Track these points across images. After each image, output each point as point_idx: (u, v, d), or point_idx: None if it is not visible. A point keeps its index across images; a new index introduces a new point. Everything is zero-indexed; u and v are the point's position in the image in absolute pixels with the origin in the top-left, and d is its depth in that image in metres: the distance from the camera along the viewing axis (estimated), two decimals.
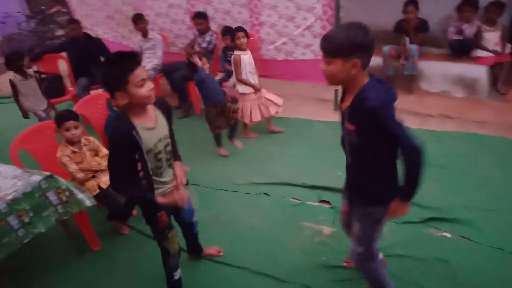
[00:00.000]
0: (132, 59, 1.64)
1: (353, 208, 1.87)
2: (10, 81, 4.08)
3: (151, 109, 1.80)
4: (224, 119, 3.63)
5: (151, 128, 1.76)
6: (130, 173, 1.80)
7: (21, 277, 2.60)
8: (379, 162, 1.64)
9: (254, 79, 3.86)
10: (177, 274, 2.17)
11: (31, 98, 4.15)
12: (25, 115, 4.18)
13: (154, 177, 1.86)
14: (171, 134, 1.95)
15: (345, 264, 2.39)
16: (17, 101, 4.15)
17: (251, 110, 3.89)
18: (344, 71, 1.50)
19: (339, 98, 1.74)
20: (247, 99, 3.87)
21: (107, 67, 1.66)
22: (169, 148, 1.91)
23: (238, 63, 3.75)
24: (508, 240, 2.45)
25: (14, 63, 4.06)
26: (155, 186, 1.89)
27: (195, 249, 2.53)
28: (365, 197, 1.75)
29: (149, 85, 1.67)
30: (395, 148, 1.58)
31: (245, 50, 3.79)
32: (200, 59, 3.45)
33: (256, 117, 3.90)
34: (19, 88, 4.09)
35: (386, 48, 4.62)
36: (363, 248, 1.85)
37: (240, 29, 3.78)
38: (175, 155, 2.02)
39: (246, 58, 3.77)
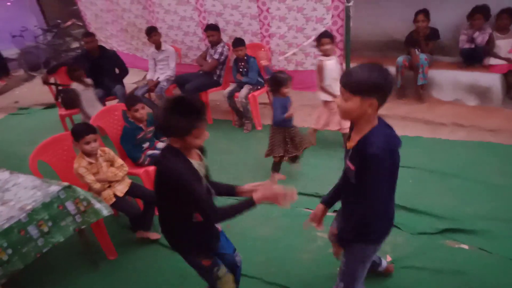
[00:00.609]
0: (201, 111, 1.58)
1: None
2: (74, 90, 4.32)
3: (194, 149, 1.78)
4: (292, 145, 3.40)
5: (200, 163, 1.76)
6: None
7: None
8: (370, 204, 1.64)
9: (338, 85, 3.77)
10: None
11: (90, 107, 4.35)
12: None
13: None
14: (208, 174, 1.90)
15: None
16: (81, 110, 4.41)
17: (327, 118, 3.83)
18: (361, 109, 1.53)
19: (346, 136, 1.80)
20: (329, 107, 3.78)
21: (172, 111, 1.55)
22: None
23: (320, 70, 3.66)
24: None
25: (76, 72, 4.32)
26: None
27: None
28: (353, 233, 1.73)
29: (206, 135, 1.64)
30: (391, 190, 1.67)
31: (329, 55, 3.67)
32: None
33: (333, 127, 3.80)
34: (82, 97, 4.33)
35: (400, 59, 4.61)
36: (343, 284, 1.87)
37: (325, 35, 3.71)
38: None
39: (330, 64, 3.66)
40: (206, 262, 1.88)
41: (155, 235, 2.90)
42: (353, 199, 1.73)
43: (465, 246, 2.53)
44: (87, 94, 4.40)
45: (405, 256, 2.50)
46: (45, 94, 5.81)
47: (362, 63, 1.56)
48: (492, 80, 4.32)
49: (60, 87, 4.84)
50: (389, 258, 2.50)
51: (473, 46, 4.43)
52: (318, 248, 2.66)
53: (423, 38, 4.53)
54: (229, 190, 1.98)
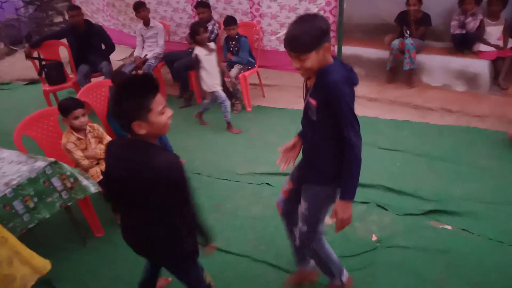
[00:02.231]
0: (152, 83, 1.47)
1: (302, 188, 1.89)
2: (196, 56, 3.84)
3: None
4: None
5: None
6: None
7: None
8: (332, 142, 1.68)
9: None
10: None
11: (209, 76, 3.94)
12: (204, 95, 4.04)
13: None
14: None
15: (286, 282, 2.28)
16: (199, 77, 3.95)
17: None
18: (320, 59, 1.57)
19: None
20: None
21: (123, 93, 1.43)
22: None
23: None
24: (507, 233, 2.48)
25: (198, 36, 3.81)
26: None
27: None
28: (314, 174, 1.80)
29: (168, 111, 1.53)
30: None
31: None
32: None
33: None
34: (203, 64, 3.87)
35: (396, 42, 4.58)
36: (307, 227, 1.88)
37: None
38: None
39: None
40: (194, 268, 1.76)
41: None
42: (315, 138, 1.74)
43: (449, 227, 2.60)
44: (209, 60, 3.90)
45: (391, 235, 2.55)
46: (28, 69, 5.63)
47: (291, 24, 1.57)
48: (481, 67, 4.36)
49: (43, 62, 4.68)
50: (374, 238, 2.55)
51: (464, 31, 4.45)
52: None
53: (413, 22, 4.52)
54: None
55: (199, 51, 3.86)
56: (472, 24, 4.37)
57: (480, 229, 2.53)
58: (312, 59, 1.55)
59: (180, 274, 1.78)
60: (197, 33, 3.82)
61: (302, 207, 1.89)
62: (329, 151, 1.72)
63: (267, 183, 3.21)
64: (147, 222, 1.61)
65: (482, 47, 4.37)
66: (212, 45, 3.99)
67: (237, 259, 2.47)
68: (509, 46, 4.32)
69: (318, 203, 1.83)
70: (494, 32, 4.29)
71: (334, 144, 1.67)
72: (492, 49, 4.31)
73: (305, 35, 1.52)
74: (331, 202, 1.82)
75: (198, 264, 1.80)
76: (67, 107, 2.56)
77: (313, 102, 1.65)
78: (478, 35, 4.36)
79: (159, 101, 1.47)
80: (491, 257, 2.33)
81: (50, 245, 2.73)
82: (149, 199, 1.53)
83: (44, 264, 2.02)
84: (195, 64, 3.90)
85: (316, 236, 1.90)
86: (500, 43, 4.28)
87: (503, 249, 2.38)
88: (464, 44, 4.47)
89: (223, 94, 4.02)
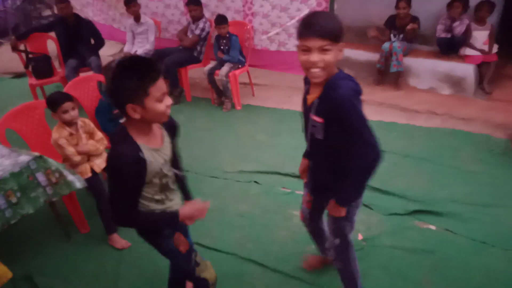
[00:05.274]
0: (154, 67, 1.39)
1: (323, 201, 1.84)
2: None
3: (156, 127, 1.56)
4: None
5: (157, 149, 1.51)
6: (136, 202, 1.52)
7: (4, 258, 2.55)
8: (344, 156, 1.57)
9: None
10: None
11: None
12: None
13: (157, 203, 1.61)
14: (176, 156, 1.72)
15: (305, 264, 2.34)
16: None
17: None
18: (337, 58, 1.44)
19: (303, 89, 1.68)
20: None
21: (121, 72, 1.36)
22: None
23: None
24: (490, 234, 2.53)
25: None
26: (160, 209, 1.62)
27: None
28: (333, 192, 1.69)
29: (168, 100, 1.45)
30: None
31: None
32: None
33: None
34: None
35: (387, 45, 4.62)
36: (339, 240, 1.86)
37: None
38: (180, 179, 1.78)
39: None
40: (184, 246, 1.69)
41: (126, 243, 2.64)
42: (323, 157, 1.66)
43: (433, 227, 2.63)
44: None
45: (377, 235, 2.57)
46: (14, 62, 5.51)
47: (310, 12, 1.48)
48: (466, 70, 4.44)
49: (30, 55, 4.59)
50: (360, 237, 2.57)
51: (449, 35, 4.52)
52: (294, 226, 2.69)
53: (402, 25, 4.58)
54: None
55: None
56: (459, 28, 4.44)
57: (464, 230, 2.57)
58: (334, 53, 1.42)
59: (157, 250, 1.73)
60: None
61: (330, 221, 1.84)
62: (342, 165, 1.60)
63: (255, 181, 3.21)
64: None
65: (468, 51, 4.45)
66: None
67: (224, 257, 2.47)
68: (494, 51, 4.41)
69: (346, 214, 1.76)
70: (480, 37, 4.37)
71: (347, 157, 1.55)
72: (478, 53, 4.39)
73: (334, 22, 1.40)
74: (356, 209, 1.78)
75: (190, 245, 1.73)
76: (55, 101, 2.50)
77: (318, 119, 1.53)
78: (465, 39, 4.43)
79: (159, 87, 1.39)
80: (474, 258, 2.37)
81: (34, 241, 2.69)
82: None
83: (4, 272, 1.97)
84: None
85: (349, 244, 1.88)
86: (486, 47, 4.37)
87: (486, 250, 2.42)
88: (449, 47, 4.54)
89: None
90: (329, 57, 1.42)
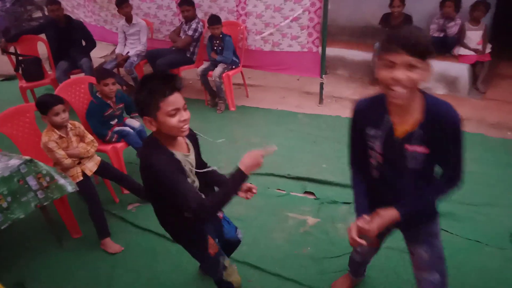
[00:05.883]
0: (168, 82, 1.43)
1: (406, 236, 1.71)
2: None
3: (181, 138, 1.64)
4: None
5: (186, 155, 1.61)
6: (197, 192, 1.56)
7: None
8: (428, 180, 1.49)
9: None
10: None
11: None
12: None
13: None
14: (203, 162, 1.79)
15: None
16: None
17: None
18: (424, 77, 1.26)
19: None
20: None
21: (140, 86, 1.46)
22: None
23: None
24: (485, 233, 2.53)
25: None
26: None
27: None
28: (426, 214, 1.59)
29: (183, 115, 1.47)
30: None
31: None
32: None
33: None
34: None
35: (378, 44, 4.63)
36: (439, 274, 1.58)
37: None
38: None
39: None
40: (213, 250, 1.74)
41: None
42: (414, 186, 1.48)
43: None
44: None
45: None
46: (4, 65, 5.44)
47: (399, 27, 1.35)
48: (460, 70, 4.45)
49: (21, 57, 4.52)
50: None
51: (442, 35, 4.53)
52: (290, 228, 2.67)
53: (396, 24, 4.58)
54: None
55: None
56: (454, 28, 4.45)
57: (459, 230, 2.57)
58: (422, 72, 1.24)
59: (192, 256, 1.83)
60: None
61: (422, 256, 1.61)
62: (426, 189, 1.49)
63: (249, 183, 3.17)
64: (156, 211, 1.71)
65: (462, 50, 4.46)
66: None
67: None
68: (487, 51, 4.43)
69: (437, 240, 1.62)
70: (474, 37, 4.39)
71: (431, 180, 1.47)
72: (472, 53, 4.41)
73: (426, 38, 1.25)
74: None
75: (206, 253, 1.75)
76: (46, 104, 2.45)
77: (421, 150, 1.36)
78: (458, 39, 4.45)
79: (171, 102, 1.43)
80: (470, 257, 2.36)
81: (25, 246, 2.65)
82: (146, 190, 1.65)
83: None
84: None
85: (447, 277, 1.63)
86: (480, 47, 4.38)
87: (481, 249, 2.42)
88: (441, 47, 4.55)
89: None
90: (415, 75, 1.24)
